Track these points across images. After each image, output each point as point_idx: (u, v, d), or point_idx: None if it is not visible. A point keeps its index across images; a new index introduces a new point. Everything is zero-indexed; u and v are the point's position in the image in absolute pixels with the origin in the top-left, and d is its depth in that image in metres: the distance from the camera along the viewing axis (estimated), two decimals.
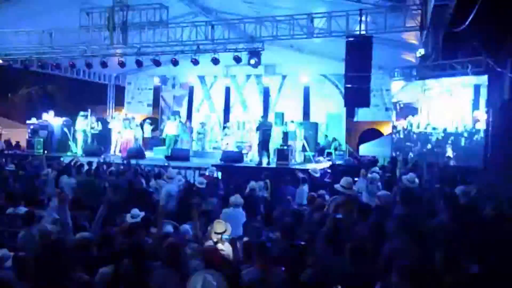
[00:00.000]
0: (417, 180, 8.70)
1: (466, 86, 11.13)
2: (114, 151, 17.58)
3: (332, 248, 4.73)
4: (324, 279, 4.10)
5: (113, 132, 17.97)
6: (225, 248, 5.28)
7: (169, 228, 6.36)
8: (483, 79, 10.66)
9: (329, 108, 19.71)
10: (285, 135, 15.13)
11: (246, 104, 21.05)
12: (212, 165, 14.05)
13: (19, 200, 8.05)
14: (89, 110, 18.50)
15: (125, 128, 17.69)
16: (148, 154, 17.51)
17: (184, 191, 10.13)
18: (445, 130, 12.36)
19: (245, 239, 5.95)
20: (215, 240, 5.81)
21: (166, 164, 13.60)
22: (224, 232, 5.88)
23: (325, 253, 4.71)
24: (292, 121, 16.40)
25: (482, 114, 10.58)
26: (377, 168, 11.88)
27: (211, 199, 8.80)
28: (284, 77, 20.42)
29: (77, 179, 10.57)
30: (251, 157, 16.46)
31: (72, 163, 12.91)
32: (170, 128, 17.71)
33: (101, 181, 10.73)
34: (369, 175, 9.76)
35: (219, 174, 13.33)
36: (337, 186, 7.23)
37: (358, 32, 11.90)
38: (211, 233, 6.03)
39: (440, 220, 5.50)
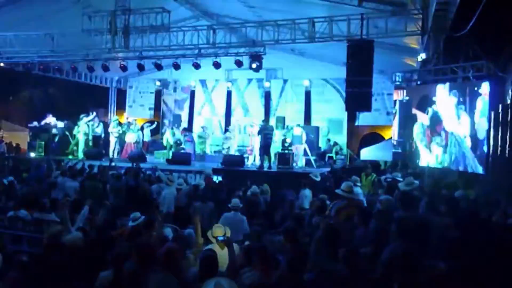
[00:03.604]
0: (416, 182, 8.70)
1: (459, 107, 11.36)
2: (113, 154, 17.58)
3: (326, 253, 4.73)
4: (322, 283, 4.10)
5: (111, 136, 17.98)
6: (224, 253, 5.28)
7: (168, 231, 6.36)
8: None
9: (330, 112, 19.71)
10: (283, 139, 15.08)
11: (247, 108, 21.06)
12: (214, 169, 14.05)
13: (21, 203, 8.08)
14: (90, 112, 18.52)
15: (126, 132, 17.70)
16: (149, 157, 17.49)
17: (186, 194, 10.16)
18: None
19: (246, 243, 5.96)
20: (214, 244, 5.82)
21: (154, 167, 13.45)
22: (222, 236, 5.88)
23: (319, 258, 4.72)
24: (298, 125, 16.40)
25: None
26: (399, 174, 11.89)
27: (209, 202, 8.79)
28: (285, 81, 20.43)
29: (80, 182, 10.58)
30: (252, 161, 16.47)
31: (76, 166, 12.96)
32: (170, 137, 17.87)
33: (105, 184, 10.77)
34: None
35: (217, 177, 13.30)
36: (337, 190, 7.25)
37: (359, 37, 11.92)
38: (210, 237, 6.04)
39: (440, 224, 5.50)
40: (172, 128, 18.91)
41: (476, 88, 10.72)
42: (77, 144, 17.74)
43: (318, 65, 18.09)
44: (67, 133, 18.14)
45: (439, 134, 11.96)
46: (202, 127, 19.15)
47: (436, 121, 12.03)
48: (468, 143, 11.05)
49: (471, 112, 10.92)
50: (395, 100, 16.85)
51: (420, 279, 3.83)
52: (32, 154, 17.37)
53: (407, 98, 13.09)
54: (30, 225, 7.39)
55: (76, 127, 17.81)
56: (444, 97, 11.96)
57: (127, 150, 17.12)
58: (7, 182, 10.17)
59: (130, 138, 17.47)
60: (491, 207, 7.02)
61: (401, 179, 10.19)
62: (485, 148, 10.45)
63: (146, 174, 12.43)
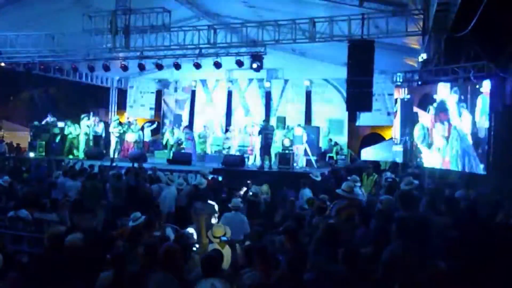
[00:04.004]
0: (415, 182, 8.70)
1: (460, 107, 11.36)
2: (114, 154, 17.57)
3: (325, 253, 4.72)
4: (322, 283, 4.10)
5: (112, 136, 17.98)
6: (225, 252, 5.29)
7: (169, 231, 6.38)
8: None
9: (331, 112, 19.72)
10: (283, 141, 15.09)
11: (248, 108, 21.07)
12: (214, 169, 14.06)
13: (21, 203, 8.10)
14: (91, 112, 18.53)
15: (126, 132, 17.66)
16: (149, 157, 17.48)
17: (186, 194, 10.16)
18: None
19: (247, 243, 5.96)
20: (215, 244, 5.82)
21: (153, 167, 13.39)
22: (223, 236, 5.90)
23: (318, 258, 4.71)
24: (299, 125, 16.37)
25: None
26: (388, 173, 11.95)
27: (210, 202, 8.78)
28: (286, 81, 20.44)
29: (82, 182, 10.57)
30: (253, 161, 16.47)
31: (77, 166, 12.97)
32: (169, 137, 17.88)
33: (105, 184, 10.77)
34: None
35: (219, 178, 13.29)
36: (338, 190, 7.24)
37: (360, 37, 11.91)
38: (210, 237, 6.05)
39: (440, 224, 5.49)
40: (172, 128, 18.92)
41: (477, 86, 10.72)
42: (71, 144, 17.75)
43: (319, 65, 18.08)
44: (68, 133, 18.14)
45: (442, 122, 11.89)
46: (204, 126, 19.21)
47: (441, 109, 11.92)
48: (469, 140, 11.04)
49: (472, 110, 10.91)
50: (396, 99, 16.86)
51: (420, 279, 3.82)
52: (32, 154, 17.37)
53: (408, 96, 13.07)
54: (30, 225, 7.40)
55: (66, 127, 17.79)
56: (445, 95, 11.97)
57: (128, 150, 17.09)
58: (5, 182, 10.15)
59: (130, 137, 17.44)
60: (491, 207, 7.01)
61: (390, 179, 10.26)
62: (486, 147, 10.43)
63: (147, 174, 12.42)
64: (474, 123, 10.80)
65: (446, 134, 11.78)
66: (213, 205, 8.50)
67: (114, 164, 13.31)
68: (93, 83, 21.50)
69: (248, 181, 11.55)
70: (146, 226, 6.13)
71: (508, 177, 9.39)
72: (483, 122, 10.41)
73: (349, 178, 9.86)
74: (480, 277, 4.01)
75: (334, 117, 19.60)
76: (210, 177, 12.57)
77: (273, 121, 18.26)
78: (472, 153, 10.86)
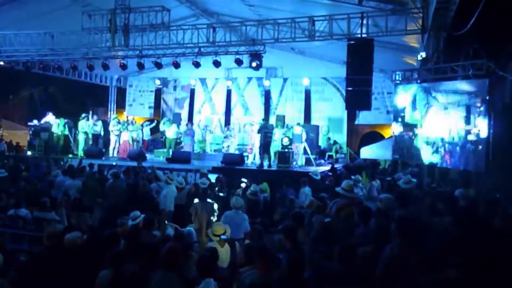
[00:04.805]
0: (413, 180, 8.69)
1: (460, 105, 11.19)
2: (113, 153, 17.58)
3: (321, 251, 4.72)
4: (322, 282, 4.10)
5: (111, 134, 17.96)
6: (224, 251, 5.29)
7: (169, 230, 6.38)
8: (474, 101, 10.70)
9: (330, 111, 19.72)
10: (282, 139, 15.08)
11: (247, 107, 21.07)
12: (214, 167, 14.06)
13: (21, 202, 8.10)
14: (90, 111, 18.52)
15: (122, 131, 17.62)
16: (148, 156, 17.46)
17: (186, 193, 10.15)
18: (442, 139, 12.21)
19: (246, 241, 5.96)
20: (214, 242, 5.82)
21: (151, 167, 13.33)
22: (223, 234, 5.91)
23: (315, 256, 4.71)
24: (299, 124, 16.39)
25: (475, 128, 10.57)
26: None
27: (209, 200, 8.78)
28: (285, 79, 20.43)
29: (82, 181, 10.54)
30: (252, 160, 16.47)
31: (76, 165, 12.95)
32: (168, 132, 17.85)
33: (104, 183, 10.76)
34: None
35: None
36: (338, 189, 7.24)
37: (359, 35, 11.91)
38: (210, 235, 6.05)
39: (440, 223, 5.50)
40: (169, 120, 18.94)
41: (473, 94, 10.63)
42: (66, 143, 17.74)
43: (318, 63, 18.08)
44: (67, 132, 18.12)
45: (455, 110, 11.63)
46: (205, 126, 19.21)
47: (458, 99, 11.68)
48: (469, 141, 10.98)
49: (467, 117, 10.79)
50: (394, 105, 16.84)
51: (420, 279, 3.83)
52: (29, 153, 17.35)
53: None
54: (30, 223, 7.40)
55: (56, 125, 17.78)
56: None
57: (126, 149, 17.06)
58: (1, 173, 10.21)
59: (124, 136, 17.38)
60: (490, 206, 7.01)
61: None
62: (485, 145, 10.38)
63: (146, 172, 12.40)
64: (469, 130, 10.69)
65: (452, 125, 11.55)
66: (213, 204, 8.50)
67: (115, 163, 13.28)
68: (92, 82, 21.48)
69: (243, 179, 11.52)
70: (145, 225, 6.13)
71: (507, 175, 9.40)
72: (483, 129, 10.30)
73: (352, 177, 9.87)
74: (480, 276, 4.02)
75: (333, 115, 19.61)
76: (215, 176, 12.55)
77: (272, 120, 18.28)
78: (472, 151, 10.81)
